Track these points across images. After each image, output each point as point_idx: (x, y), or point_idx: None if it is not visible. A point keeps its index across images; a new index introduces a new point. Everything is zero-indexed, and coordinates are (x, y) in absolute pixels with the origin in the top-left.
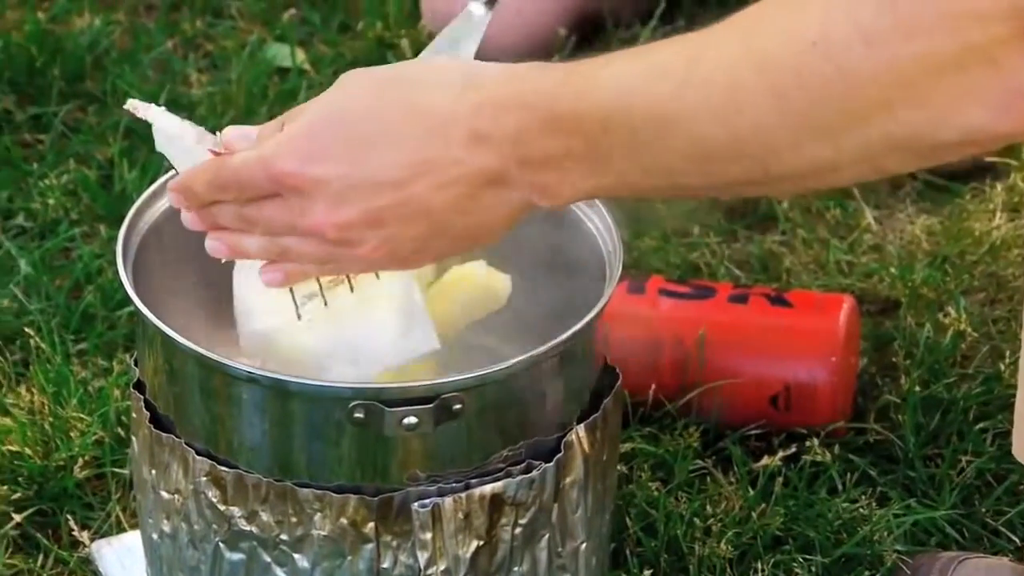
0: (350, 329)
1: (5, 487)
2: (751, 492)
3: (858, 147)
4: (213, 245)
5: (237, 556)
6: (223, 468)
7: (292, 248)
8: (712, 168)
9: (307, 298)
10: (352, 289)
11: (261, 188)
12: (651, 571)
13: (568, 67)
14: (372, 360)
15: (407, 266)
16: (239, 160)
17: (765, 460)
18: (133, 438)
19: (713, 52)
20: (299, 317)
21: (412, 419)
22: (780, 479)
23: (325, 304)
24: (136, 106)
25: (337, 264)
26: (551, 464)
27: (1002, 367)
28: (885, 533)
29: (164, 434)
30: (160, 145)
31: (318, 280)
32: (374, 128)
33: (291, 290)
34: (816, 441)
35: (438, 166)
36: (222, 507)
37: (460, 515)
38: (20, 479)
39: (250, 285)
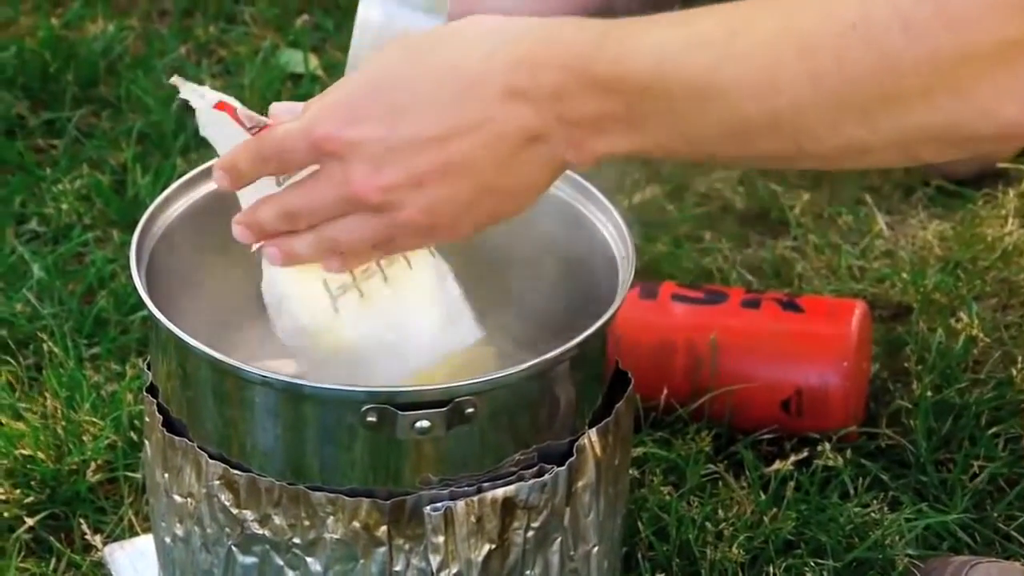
0: (391, 323)
1: (18, 491)
2: (763, 496)
3: (894, 132)
4: (270, 253)
5: (250, 560)
6: (236, 472)
7: (340, 237)
8: (746, 141)
9: (341, 290)
10: (386, 279)
11: (302, 157)
12: (663, 575)
13: (604, 27)
14: (418, 354)
15: (452, 234)
16: (281, 130)
17: (777, 464)
18: (146, 442)
19: (753, 27)
20: (336, 310)
21: (424, 423)
22: (792, 483)
23: (361, 295)
24: (180, 83)
25: (388, 240)
26: (563, 468)
27: (1014, 372)
28: (897, 537)
29: (177, 438)
30: (203, 128)
31: (351, 272)
32: (411, 89)
33: (325, 282)
34: (828, 446)
35: (477, 123)
36: (235, 511)
37: (472, 519)
38: (33, 483)
39: (284, 280)
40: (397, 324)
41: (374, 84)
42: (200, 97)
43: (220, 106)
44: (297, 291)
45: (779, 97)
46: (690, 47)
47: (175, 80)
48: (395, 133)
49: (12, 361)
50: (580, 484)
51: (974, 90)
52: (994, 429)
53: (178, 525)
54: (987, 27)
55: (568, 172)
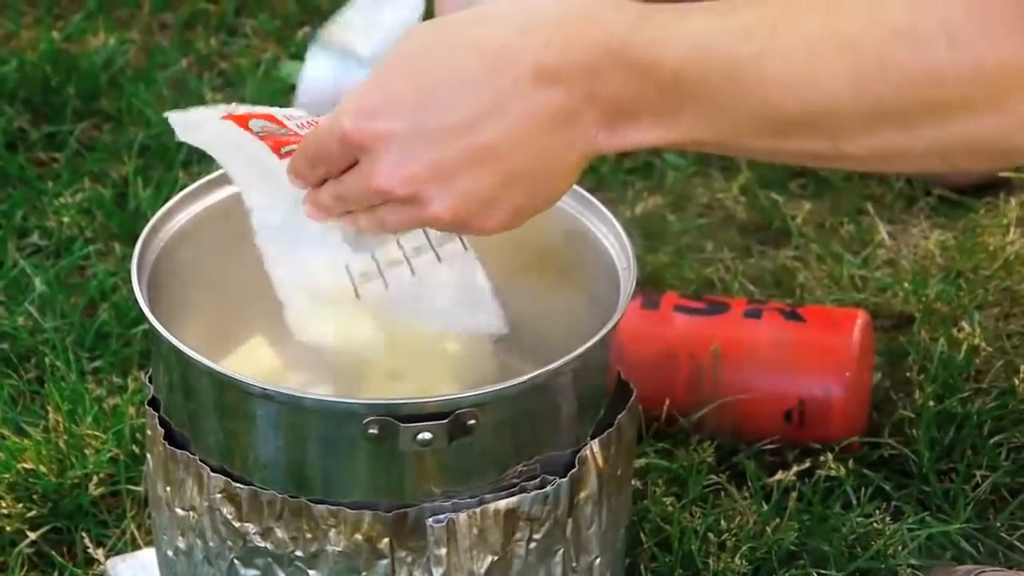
0: (411, 309)
1: (20, 505)
2: (765, 507)
3: (933, 140)
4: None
5: (252, 573)
6: (238, 485)
7: (387, 219)
8: (781, 137)
9: (365, 278)
10: (413, 272)
11: (338, 155)
12: None
13: (643, 10)
14: (430, 319)
15: (484, 226)
16: (314, 132)
17: (779, 475)
18: (148, 455)
19: (795, 22)
20: (357, 296)
21: (426, 435)
22: (794, 494)
23: (386, 286)
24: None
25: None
26: (565, 479)
27: (1016, 381)
28: (899, 547)
29: (179, 451)
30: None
31: (375, 260)
32: (437, 72)
33: (347, 268)
34: (830, 456)
35: (505, 106)
36: (237, 524)
37: (475, 530)
38: (35, 497)
39: (308, 261)
40: (416, 311)
41: (400, 67)
42: (204, 119)
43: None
44: (320, 274)
45: (819, 95)
46: (731, 37)
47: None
48: (421, 122)
49: (14, 375)
50: (582, 495)
51: (1017, 104)
52: (997, 438)
53: (180, 538)
54: None
55: None
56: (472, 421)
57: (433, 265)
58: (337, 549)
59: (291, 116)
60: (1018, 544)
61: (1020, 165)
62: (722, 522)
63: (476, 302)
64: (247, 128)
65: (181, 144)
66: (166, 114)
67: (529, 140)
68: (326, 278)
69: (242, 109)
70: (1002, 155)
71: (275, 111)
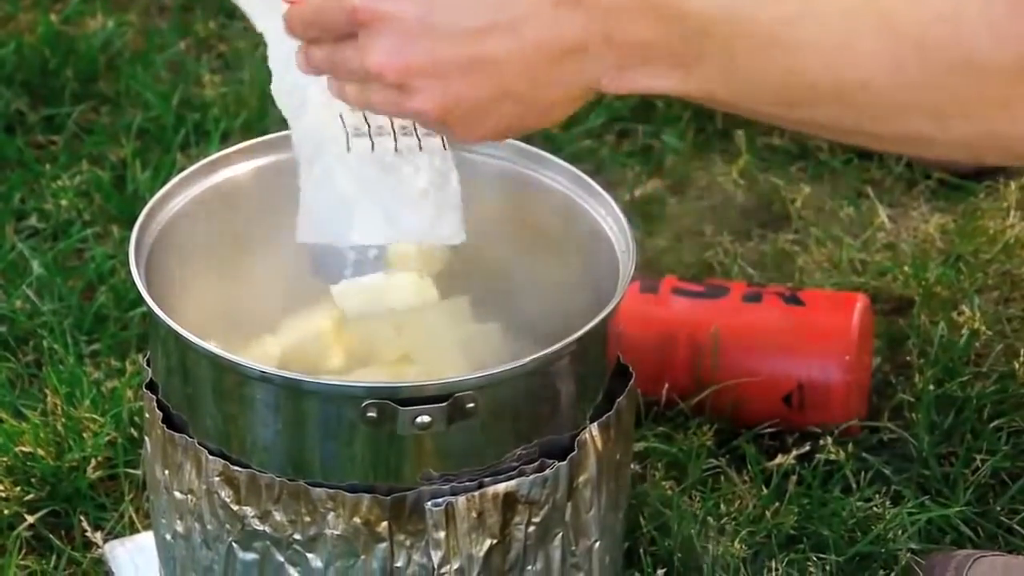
0: (388, 184)
1: (18, 488)
2: (765, 491)
3: (964, 134)
4: (330, 87)
5: (250, 556)
6: (236, 468)
7: (373, 98)
8: (806, 105)
9: (356, 131)
10: (396, 149)
11: (340, 24)
12: (665, 570)
13: None
14: (401, 229)
15: (465, 135)
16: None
17: (779, 459)
18: (146, 438)
19: None
20: (348, 149)
21: (425, 418)
22: (794, 478)
23: (372, 148)
24: None
25: (400, 115)
26: (564, 463)
27: (1016, 365)
28: (899, 531)
29: (177, 434)
30: None
31: (366, 119)
32: None
33: (341, 118)
34: (830, 440)
35: (520, 23)
36: (235, 507)
37: (473, 514)
38: (33, 480)
39: (311, 91)
40: (393, 187)
41: None
42: None
43: None
44: (319, 109)
45: (852, 70)
46: None
47: None
48: (432, 13)
49: (12, 358)
50: (581, 479)
51: None
52: (996, 423)
53: (178, 522)
54: None
55: (567, 165)
56: (471, 404)
57: (414, 151)
58: (336, 533)
59: None
60: (1018, 528)
61: None
62: (721, 506)
63: (445, 202)
64: None
65: (179, 126)
66: None
67: (533, 64)
68: (323, 124)
69: None
70: None
71: None
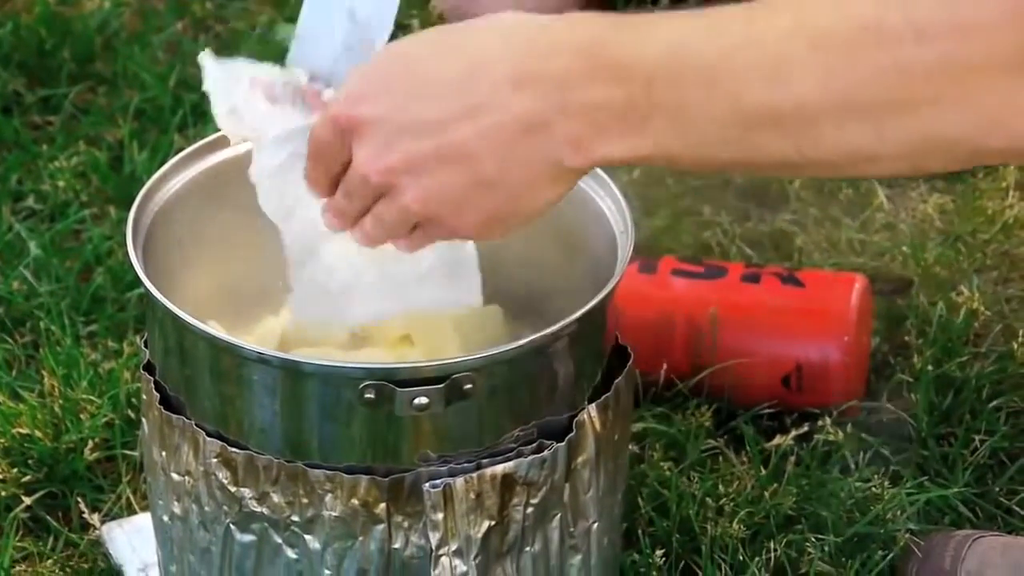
0: (393, 255)
1: (15, 470)
2: (763, 471)
3: (901, 140)
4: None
5: (248, 538)
6: (233, 449)
7: (386, 218)
8: (748, 140)
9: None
10: None
11: (334, 144)
12: (663, 551)
13: (621, 17)
14: (411, 298)
15: (456, 227)
16: (314, 127)
17: (777, 439)
18: (143, 420)
19: (768, 20)
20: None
21: (423, 399)
22: (792, 458)
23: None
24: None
25: (403, 225)
26: (563, 444)
27: (1015, 345)
28: (898, 512)
29: (174, 416)
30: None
31: None
32: (424, 71)
33: None
34: (828, 420)
35: (480, 109)
36: (233, 489)
37: (471, 495)
38: (30, 461)
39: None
40: (402, 266)
41: (392, 60)
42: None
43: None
44: (308, 210)
45: (786, 89)
46: (705, 34)
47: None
48: (402, 113)
49: (9, 339)
50: (580, 460)
51: (985, 101)
52: (995, 403)
53: (176, 503)
54: (1000, 37)
55: None
56: (469, 385)
57: None
58: (333, 514)
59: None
60: (1016, 509)
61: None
62: (720, 487)
63: (459, 267)
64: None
65: (176, 107)
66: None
67: (499, 145)
68: (314, 222)
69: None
70: (970, 155)
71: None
